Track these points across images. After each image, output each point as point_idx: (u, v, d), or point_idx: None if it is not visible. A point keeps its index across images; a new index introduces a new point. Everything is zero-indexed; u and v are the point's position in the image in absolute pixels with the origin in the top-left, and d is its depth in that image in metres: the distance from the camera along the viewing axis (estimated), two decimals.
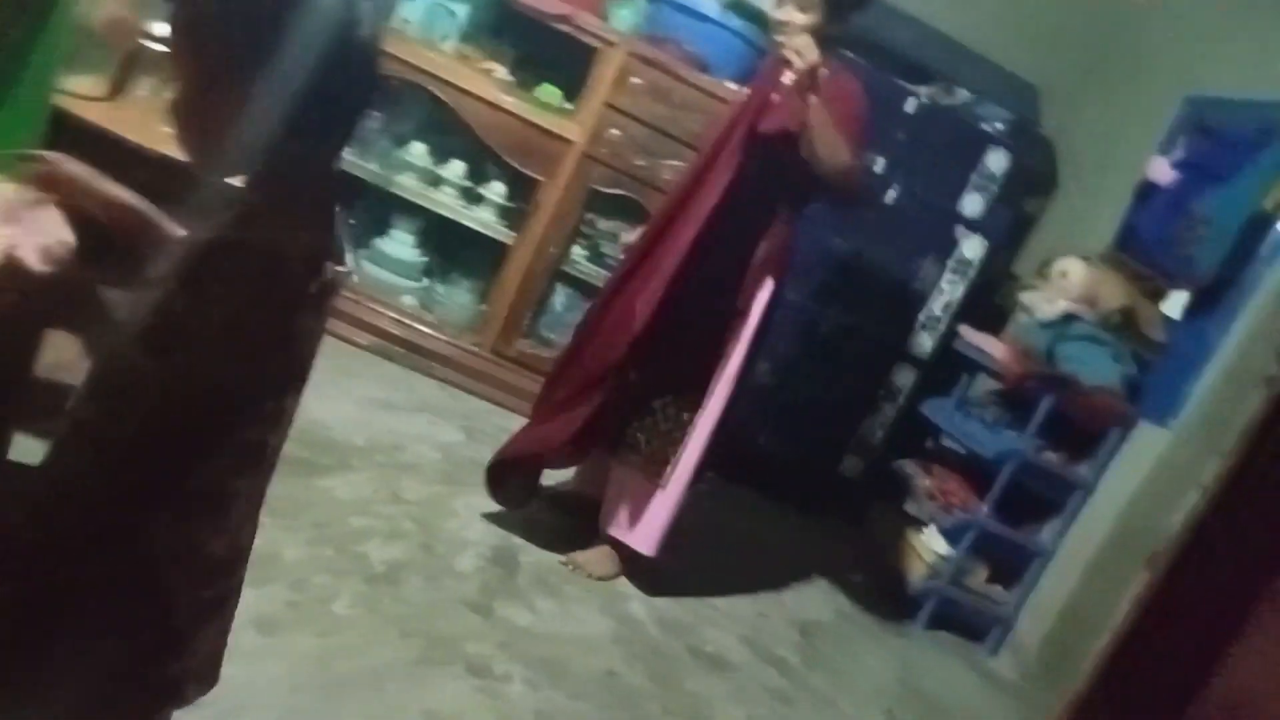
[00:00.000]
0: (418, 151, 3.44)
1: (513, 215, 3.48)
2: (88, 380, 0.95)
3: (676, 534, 2.56)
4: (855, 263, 3.67)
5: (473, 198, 3.50)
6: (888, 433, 3.83)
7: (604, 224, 3.53)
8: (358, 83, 0.95)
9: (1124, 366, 3.13)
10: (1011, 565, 3.30)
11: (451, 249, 3.62)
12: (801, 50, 2.23)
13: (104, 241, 1.12)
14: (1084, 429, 3.16)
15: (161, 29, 2.12)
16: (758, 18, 3.37)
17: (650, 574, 2.60)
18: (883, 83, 3.46)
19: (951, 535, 3.25)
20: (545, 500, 2.81)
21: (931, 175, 3.63)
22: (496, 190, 3.48)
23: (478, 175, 3.49)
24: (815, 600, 3.13)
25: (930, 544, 3.28)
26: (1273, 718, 2.00)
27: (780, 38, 2.35)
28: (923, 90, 3.65)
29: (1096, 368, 3.11)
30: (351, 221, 3.45)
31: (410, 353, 3.37)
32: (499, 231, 3.47)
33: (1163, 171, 3.36)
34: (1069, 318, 3.17)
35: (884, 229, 3.64)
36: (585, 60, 3.32)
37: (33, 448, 1.10)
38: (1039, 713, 2.88)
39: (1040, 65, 3.96)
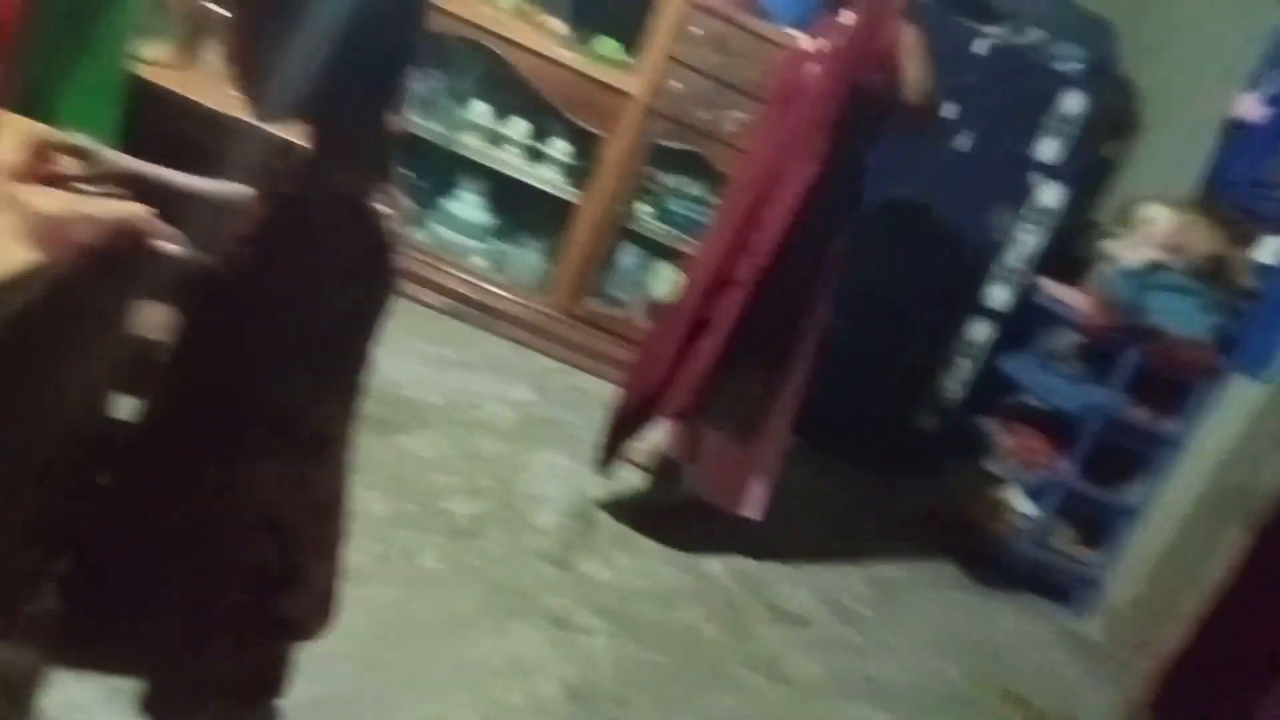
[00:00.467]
0: (479, 110, 3.43)
1: (577, 173, 3.46)
2: (192, 342, 0.97)
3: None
4: (926, 215, 3.56)
5: (536, 156, 3.48)
6: (965, 390, 3.74)
7: (669, 179, 3.49)
8: (404, 29, 0.95)
9: (1213, 316, 3.01)
10: (1099, 525, 3.21)
11: (518, 209, 3.62)
12: None
13: None
14: (1172, 383, 3.05)
15: None
16: None
17: (727, 531, 2.59)
18: (949, 23, 3.34)
19: (1035, 494, 3.18)
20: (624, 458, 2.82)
21: (1004, 120, 3.50)
22: (560, 148, 3.45)
23: (540, 133, 3.47)
24: (891, 558, 3.10)
25: (1013, 503, 3.21)
26: None
27: None
28: (992, 30, 3.51)
29: (1184, 318, 2.99)
30: (419, 183, 3.47)
31: (480, 312, 3.39)
32: (564, 190, 3.45)
33: (1253, 108, 3.19)
34: (1154, 266, 3.05)
35: (955, 178, 3.52)
36: (643, 11, 3.26)
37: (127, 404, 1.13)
38: (1129, 676, 2.83)
39: (1117, 1, 3.78)
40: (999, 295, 3.65)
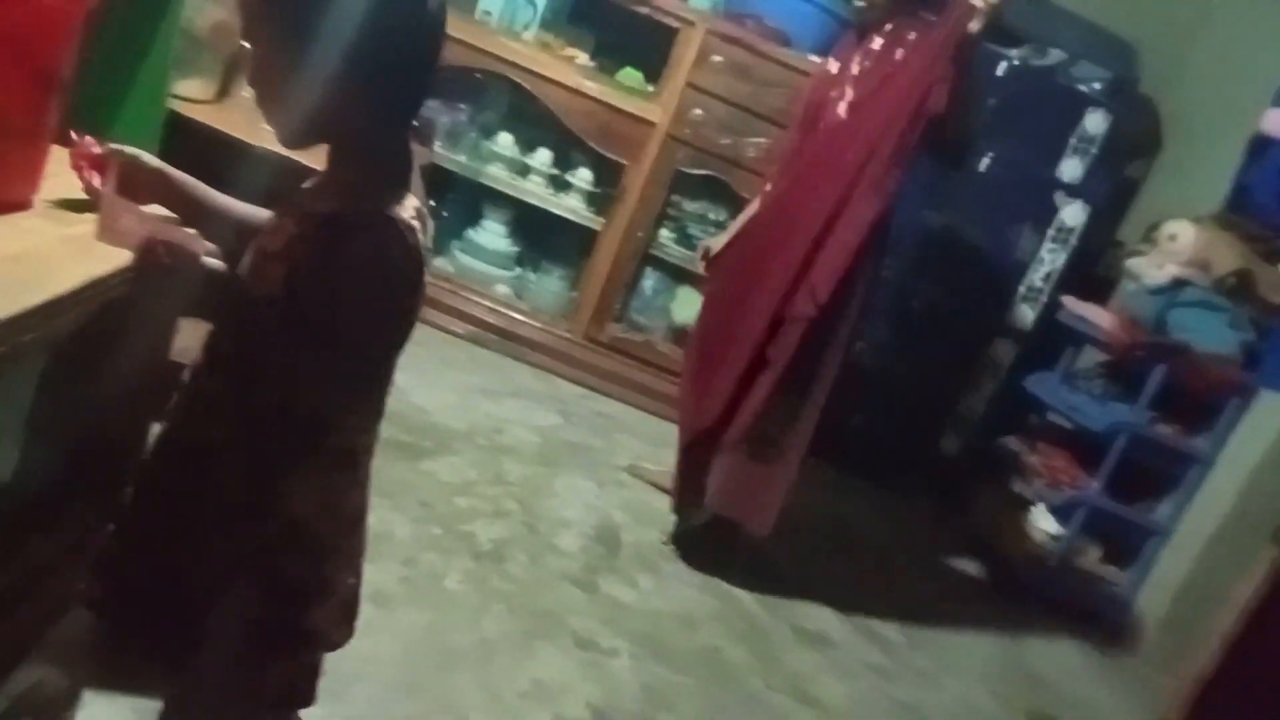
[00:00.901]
0: (505, 142, 3.49)
1: (600, 201, 3.51)
2: (225, 357, 1.01)
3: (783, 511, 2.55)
4: (949, 235, 3.58)
5: (560, 185, 3.54)
6: (988, 409, 3.73)
7: (690, 205, 3.53)
8: (425, 59, 0.97)
9: (1241, 333, 2.99)
10: (1126, 544, 3.18)
11: (541, 237, 3.68)
12: None
13: None
14: (1200, 400, 3.03)
15: None
16: None
17: (750, 553, 2.60)
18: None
19: (1061, 513, 3.16)
20: (644, 481, 2.85)
21: (1027, 140, 3.51)
22: (583, 177, 3.51)
23: (564, 162, 3.53)
24: (917, 580, 3.08)
25: (1039, 523, 3.19)
26: None
27: None
28: (1014, 53, 3.53)
29: (1211, 335, 2.97)
30: (444, 214, 3.53)
31: (505, 340, 3.44)
32: (587, 218, 3.50)
33: (1278, 124, 3.17)
34: (1180, 283, 3.04)
35: (978, 198, 3.54)
36: (665, 41, 3.32)
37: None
38: (1157, 695, 2.79)
39: (1138, 21, 3.78)
40: (1023, 315, 3.65)
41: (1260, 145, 3.23)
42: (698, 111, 3.33)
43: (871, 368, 3.60)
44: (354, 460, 1.05)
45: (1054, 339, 3.53)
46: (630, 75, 3.42)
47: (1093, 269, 3.62)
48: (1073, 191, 3.55)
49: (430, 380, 2.90)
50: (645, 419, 3.39)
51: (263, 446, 0.97)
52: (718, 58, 3.28)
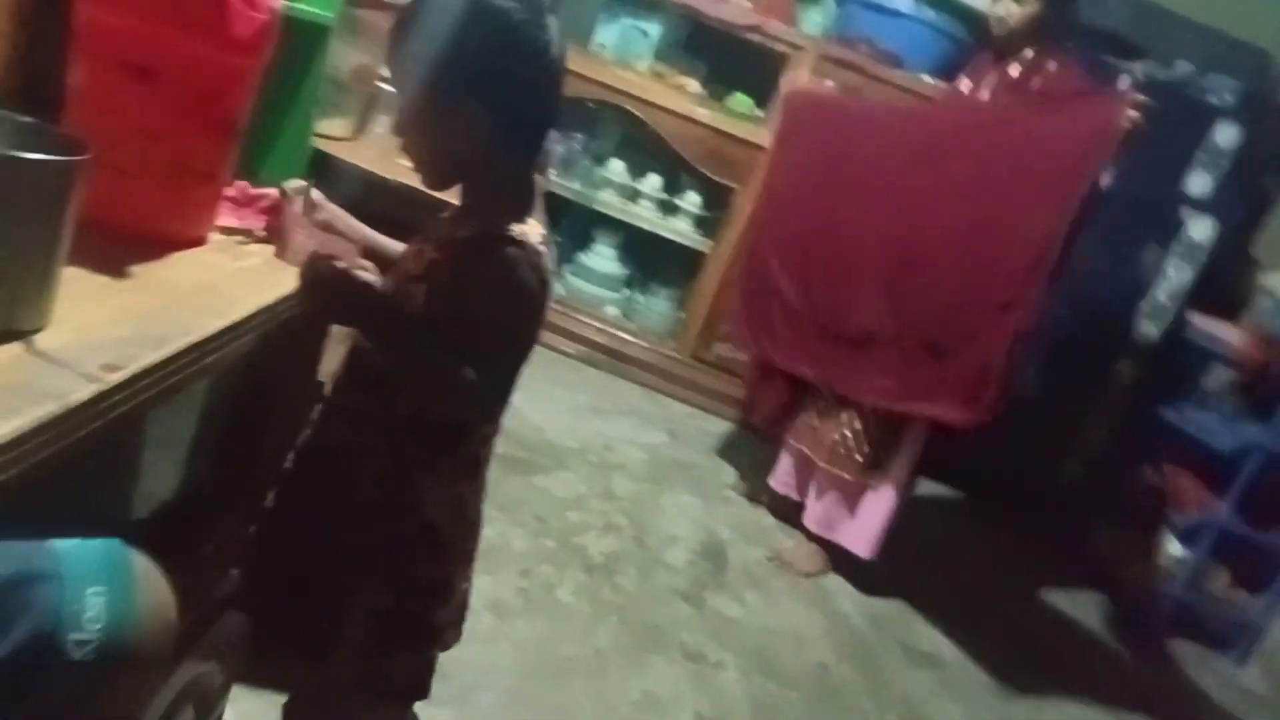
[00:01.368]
0: (616, 169, 3.60)
1: (708, 224, 3.57)
2: (367, 370, 1.11)
3: (887, 534, 2.54)
4: (1070, 253, 3.48)
5: (669, 209, 3.62)
6: (1110, 431, 3.60)
7: None
8: (551, 95, 1.06)
9: None
10: (1259, 569, 3.03)
11: (650, 260, 3.77)
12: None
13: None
14: None
15: None
16: (951, 6, 3.30)
17: (859, 572, 2.60)
18: (1092, 62, 3.28)
19: (1187, 537, 3.03)
20: (750, 500, 2.89)
21: (1152, 156, 3.38)
22: (692, 200, 3.58)
23: (673, 187, 3.62)
24: (1034, 601, 3.01)
25: (1164, 546, 3.07)
26: None
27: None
28: (1137, 66, 3.43)
29: None
30: (558, 239, 3.66)
31: (614, 360, 3.53)
32: (695, 240, 3.57)
33: None
34: None
35: (1100, 215, 3.43)
36: (777, 67, 3.37)
37: None
38: None
39: (1274, 27, 3.62)
40: (1147, 333, 3.52)
41: None
42: None
43: None
44: (479, 469, 1.13)
45: (1180, 359, 3.39)
46: (741, 101, 3.48)
47: (1223, 286, 3.47)
48: (1201, 206, 3.41)
49: (543, 399, 3.01)
50: (750, 437, 3.42)
51: (401, 454, 1.06)
52: (830, 82, 3.31)
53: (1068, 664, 2.70)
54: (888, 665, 2.35)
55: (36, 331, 0.80)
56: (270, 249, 1.19)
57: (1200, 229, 3.42)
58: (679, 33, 3.57)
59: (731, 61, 3.53)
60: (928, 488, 3.05)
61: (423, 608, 1.11)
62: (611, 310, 3.66)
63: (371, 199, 2.00)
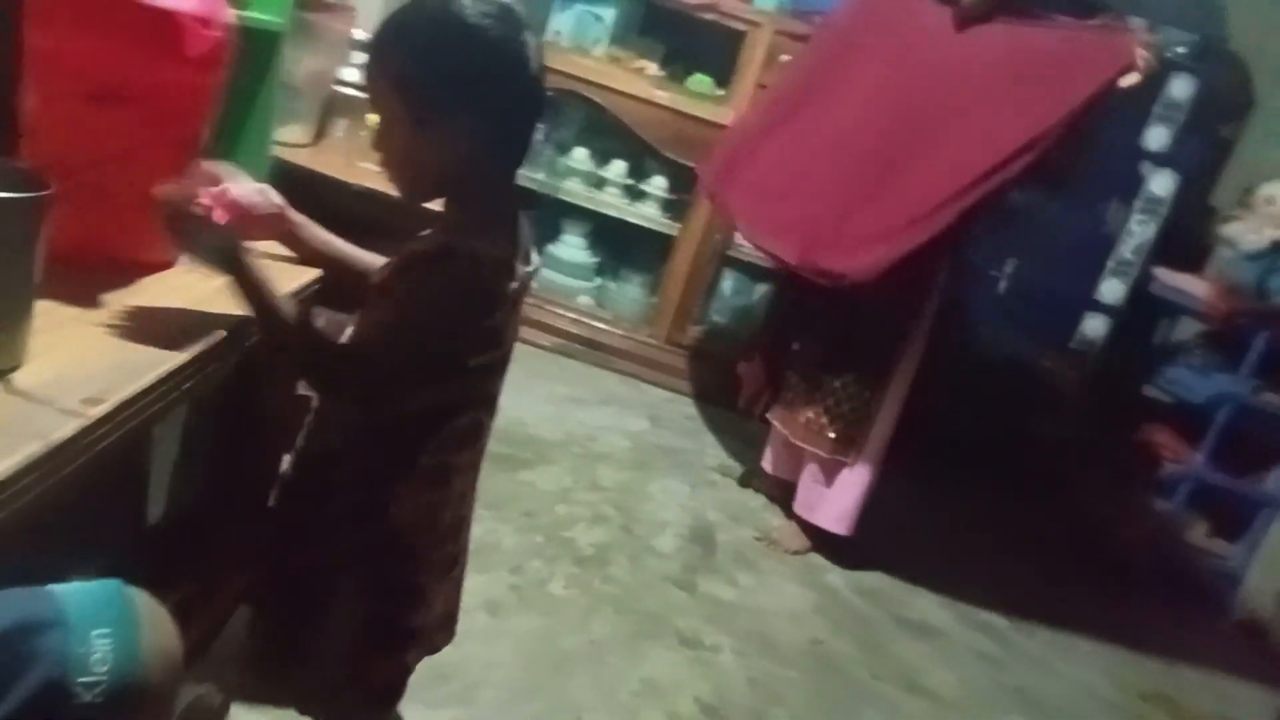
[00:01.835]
0: (580, 156, 3.58)
1: (675, 207, 3.56)
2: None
3: (869, 508, 2.57)
4: (1033, 213, 3.51)
5: (635, 194, 3.61)
6: (1082, 387, 3.65)
7: None
8: (531, 110, 1.07)
9: None
10: (1236, 517, 3.09)
11: (619, 246, 3.75)
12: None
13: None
14: None
15: (350, 74, 2.34)
16: None
17: (846, 546, 2.62)
18: (1047, 18, 3.30)
19: (1165, 490, 3.08)
20: (738, 481, 2.90)
21: (1108, 112, 3.43)
22: (657, 184, 3.57)
23: (638, 172, 3.60)
24: (1019, 565, 3.05)
25: (1142, 500, 3.12)
26: None
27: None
28: (1091, 24, 3.45)
29: None
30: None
31: (590, 349, 3.53)
32: (663, 224, 3.56)
33: None
34: (1279, 246, 2.94)
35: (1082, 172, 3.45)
36: (734, 45, 3.35)
37: None
38: (1275, 669, 2.71)
39: None
40: (1113, 289, 3.57)
41: None
42: None
43: (963, 353, 3.57)
44: (447, 478, 1.13)
45: (1147, 313, 3.44)
46: (700, 81, 3.46)
47: (1186, 238, 3.52)
48: (1160, 160, 3.45)
49: (523, 393, 3.00)
50: (731, 418, 3.43)
51: (366, 458, 1.07)
52: (787, 57, 3.30)
53: (1057, 623, 2.74)
54: (882, 637, 2.38)
55: (13, 370, 0.78)
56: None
57: (1161, 183, 3.47)
58: (634, 16, 3.55)
59: (689, 42, 3.51)
60: (902, 454, 3.08)
61: (395, 613, 1.12)
62: (585, 300, 3.65)
63: (334, 204, 1.98)
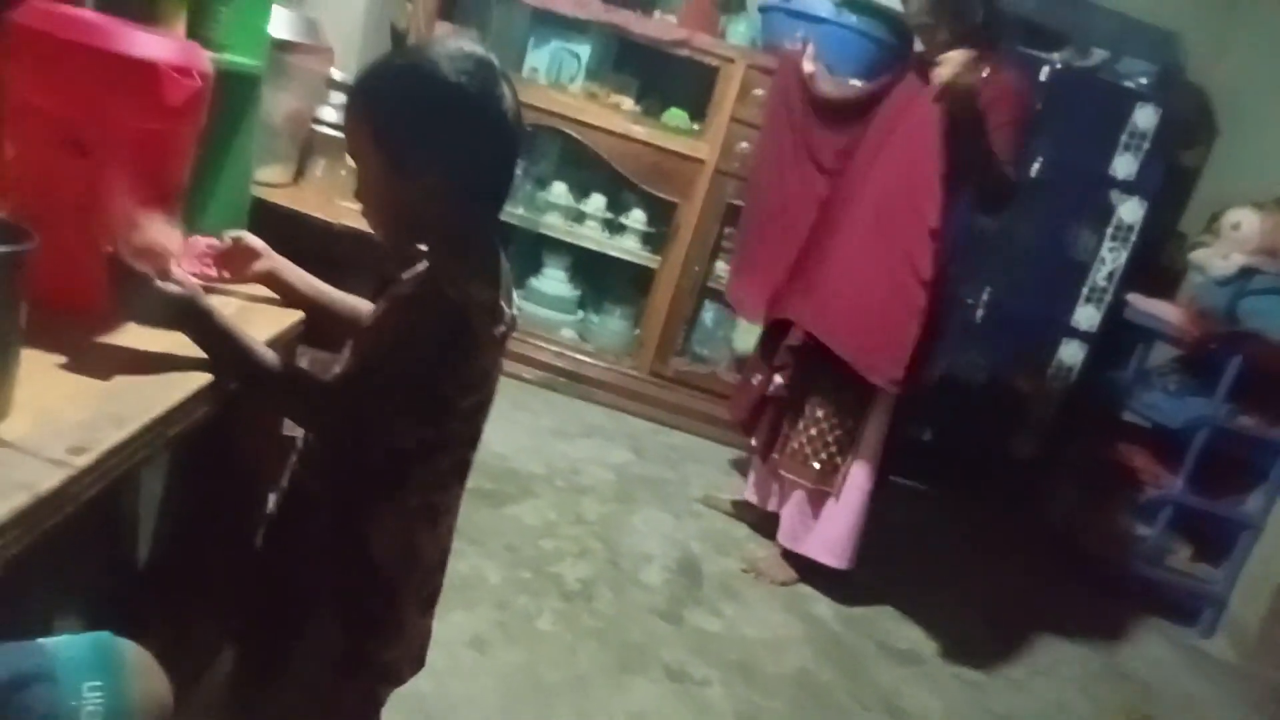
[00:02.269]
0: (559, 191, 3.61)
1: (654, 239, 3.60)
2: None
3: (858, 541, 2.57)
4: (1006, 241, 3.57)
5: (615, 228, 3.64)
6: (1060, 412, 3.70)
7: None
8: (509, 158, 1.09)
9: None
10: (1216, 540, 3.12)
11: (601, 279, 3.78)
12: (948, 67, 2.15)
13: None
14: (1279, 387, 2.98)
15: (328, 114, 2.36)
16: (874, 10, 3.38)
17: (832, 576, 2.63)
18: (1012, 54, 3.38)
19: (1145, 513, 3.11)
20: (722, 512, 2.91)
21: (1076, 141, 3.50)
22: (636, 218, 3.61)
23: (617, 206, 3.64)
24: (1002, 587, 3.07)
25: (1123, 523, 3.15)
26: None
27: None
28: (1056, 56, 3.54)
29: None
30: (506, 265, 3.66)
31: (573, 382, 3.54)
32: (643, 257, 3.59)
33: None
34: (1247, 271, 3.01)
35: (1033, 203, 3.52)
36: (708, 80, 3.41)
37: None
38: (1264, 694, 2.73)
39: (1178, 9, 3.77)
40: (1088, 316, 3.62)
41: None
42: (744, 144, 3.40)
43: (942, 380, 3.60)
44: (433, 517, 1.14)
45: (1122, 338, 3.49)
46: (675, 115, 3.51)
47: (1156, 264, 3.59)
48: (1128, 188, 3.53)
49: (506, 427, 3.00)
50: (714, 449, 3.45)
51: (347, 498, 1.08)
52: (760, 91, 3.36)
53: (1041, 648, 2.75)
54: (867, 665, 2.39)
55: None
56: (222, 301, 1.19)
57: (1129, 210, 3.54)
58: (609, 52, 3.60)
59: (663, 77, 3.57)
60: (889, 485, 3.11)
61: (370, 646, 1.13)
62: (567, 333, 3.67)
63: (315, 242, 2.00)
